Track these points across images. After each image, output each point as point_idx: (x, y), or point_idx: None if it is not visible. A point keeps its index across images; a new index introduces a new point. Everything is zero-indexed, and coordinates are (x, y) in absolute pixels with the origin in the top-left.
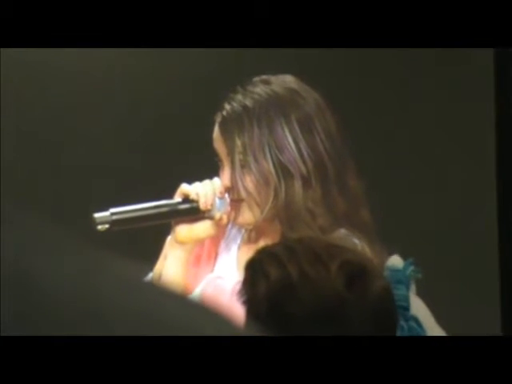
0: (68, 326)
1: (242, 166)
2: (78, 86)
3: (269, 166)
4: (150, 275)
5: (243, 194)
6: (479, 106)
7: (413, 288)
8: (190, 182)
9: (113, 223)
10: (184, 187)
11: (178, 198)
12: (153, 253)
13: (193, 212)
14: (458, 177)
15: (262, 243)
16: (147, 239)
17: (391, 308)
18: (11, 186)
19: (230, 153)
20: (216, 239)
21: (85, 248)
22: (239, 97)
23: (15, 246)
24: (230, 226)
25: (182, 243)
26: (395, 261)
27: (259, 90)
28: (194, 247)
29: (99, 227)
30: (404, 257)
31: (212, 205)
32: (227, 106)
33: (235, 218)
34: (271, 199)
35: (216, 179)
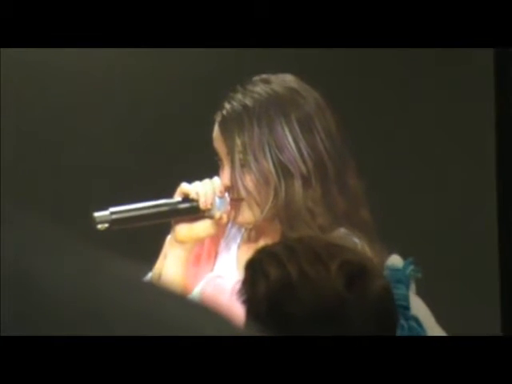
0: (68, 325)
1: (242, 166)
2: (77, 86)
3: (269, 166)
4: (150, 274)
5: (243, 193)
6: (479, 105)
7: (412, 287)
8: (189, 181)
9: (112, 222)
10: (184, 186)
11: (177, 198)
12: (152, 252)
13: (193, 211)
14: (458, 177)
15: (261, 242)
16: (147, 238)
17: (391, 307)
18: (11, 186)
19: (230, 152)
20: (216, 238)
21: (85, 248)
22: (239, 96)
23: (15, 245)
24: (229, 225)
25: (181, 242)
26: (395, 260)
27: (259, 89)
28: (193, 246)
29: (99, 226)
30: (404, 256)
31: (212, 204)
32: (227, 106)
33: (235, 218)
34: (271, 198)
35: (216, 178)
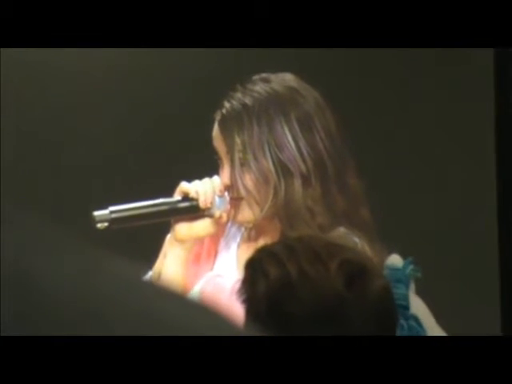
0: (68, 325)
1: (242, 165)
2: (78, 86)
3: (268, 165)
4: (150, 274)
5: (243, 192)
6: (479, 105)
7: (412, 287)
8: (189, 180)
9: (112, 221)
10: (183, 185)
11: (177, 197)
12: (152, 251)
13: (192, 210)
14: (458, 176)
15: (261, 241)
16: (146, 238)
17: (391, 307)
18: (11, 185)
19: (230, 151)
20: (216, 237)
21: (85, 248)
22: (239, 95)
23: (15, 246)
24: (229, 224)
25: (181, 241)
26: (395, 260)
27: (259, 88)
28: (193, 245)
29: (98, 225)
30: (404, 256)
31: (212, 203)
32: (227, 104)
33: (235, 216)
34: (271, 197)
35: (215, 177)
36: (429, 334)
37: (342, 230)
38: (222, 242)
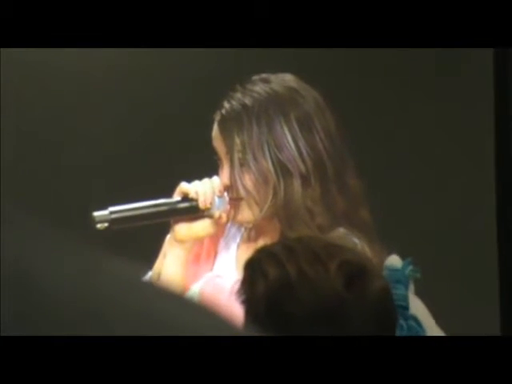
0: (68, 325)
1: (241, 165)
2: (78, 86)
3: (268, 165)
4: (150, 274)
5: (242, 192)
6: (479, 105)
7: (411, 287)
8: (189, 180)
9: (112, 222)
10: (183, 186)
11: (177, 197)
12: (152, 251)
13: (192, 211)
14: (458, 177)
15: (261, 242)
16: (146, 238)
17: (390, 308)
18: (11, 185)
19: (229, 151)
20: (215, 238)
21: (85, 248)
22: (238, 95)
23: (15, 246)
24: (229, 224)
25: (181, 242)
26: (394, 260)
27: (258, 88)
28: (193, 246)
29: (98, 226)
30: (403, 256)
31: (211, 203)
32: (226, 105)
33: (234, 217)
34: (270, 198)
35: (215, 178)
36: (428, 334)
37: (341, 230)
38: (222, 243)
